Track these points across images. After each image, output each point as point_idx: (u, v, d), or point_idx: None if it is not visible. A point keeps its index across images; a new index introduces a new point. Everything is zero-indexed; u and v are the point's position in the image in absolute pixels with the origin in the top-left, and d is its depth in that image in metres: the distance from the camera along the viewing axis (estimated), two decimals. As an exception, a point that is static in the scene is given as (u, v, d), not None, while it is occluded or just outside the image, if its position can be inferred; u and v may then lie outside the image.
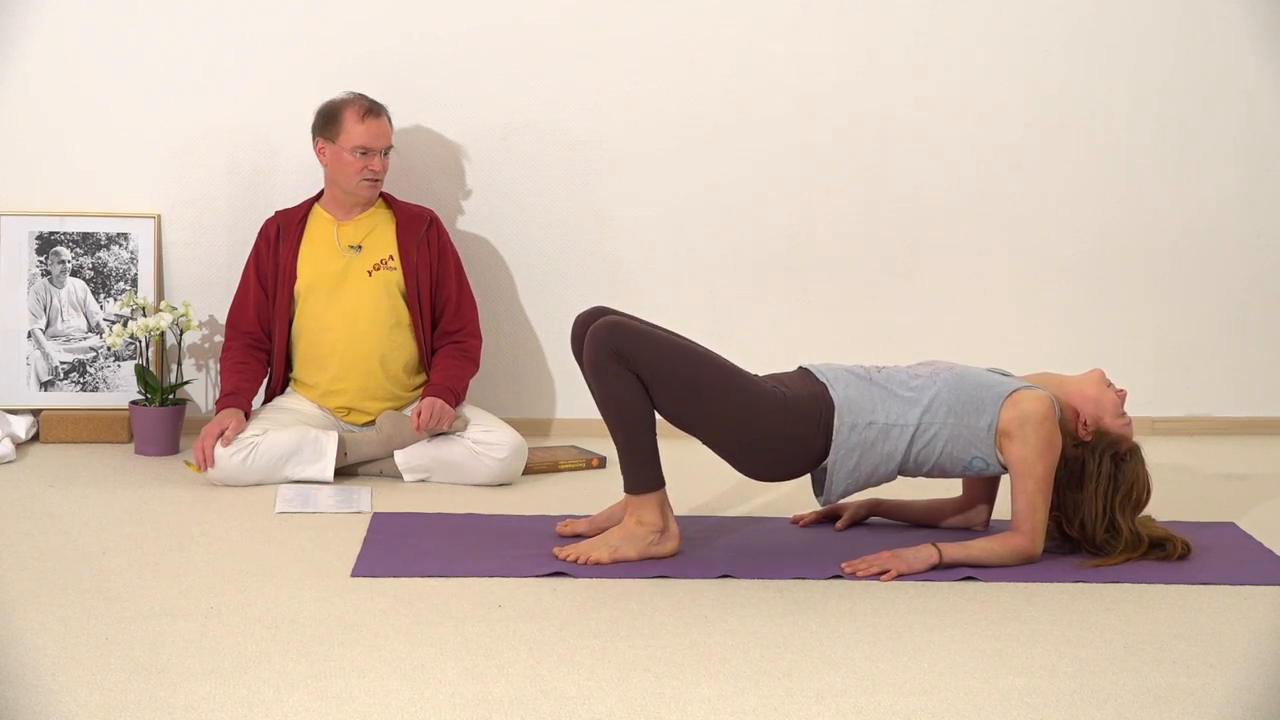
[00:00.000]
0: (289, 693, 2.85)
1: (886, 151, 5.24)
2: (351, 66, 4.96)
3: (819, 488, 3.82)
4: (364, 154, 4.57)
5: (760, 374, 3.86)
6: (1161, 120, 5.31)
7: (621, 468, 3.75)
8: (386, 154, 4.62)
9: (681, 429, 3.76)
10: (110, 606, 3.30)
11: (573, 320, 3.91)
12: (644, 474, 3.70)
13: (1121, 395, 3.86)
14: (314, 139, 4.64)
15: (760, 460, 3.73)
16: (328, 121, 4.60)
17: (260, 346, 4.67)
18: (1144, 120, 5.31)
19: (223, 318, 5.01)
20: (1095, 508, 3.77)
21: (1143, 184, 5.34)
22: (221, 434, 4.36)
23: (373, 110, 4.59)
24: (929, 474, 3.82)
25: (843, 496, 3.81)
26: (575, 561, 3.68)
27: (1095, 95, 5.28)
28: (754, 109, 5.17)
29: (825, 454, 3.73)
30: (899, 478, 3.87)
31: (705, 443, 3.77)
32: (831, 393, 3.72)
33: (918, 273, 5.30)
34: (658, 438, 3.72)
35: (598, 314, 3.86)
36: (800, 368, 3.88)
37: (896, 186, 5.26)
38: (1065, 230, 5.33)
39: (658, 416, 3.71)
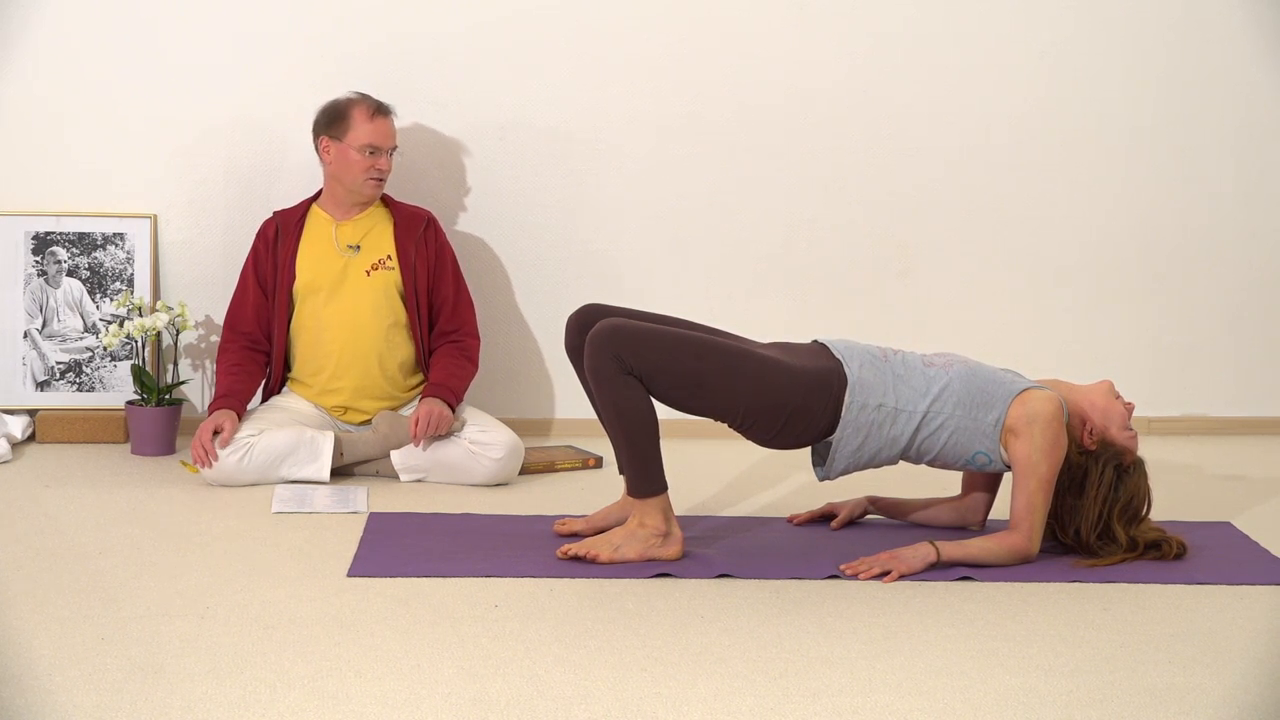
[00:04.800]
0: (285, 692, 2.85)
1: (884, 150, 5.24)
2: (348, 65, 4.96)
3: (819, 461, 3.82)
4: (372, 153, 4.57)
5: (768, 342, 3.87)
6: (1158, 121, 5.32)
7: (623, 472, 3.75)
8: (392, 154, 4.63)
9: (685, 413, 3.76)
10: (107, 606, 3.30)
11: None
12: (647, 479, 3.69)
13: (1129, 408, 3.86)
14: (318, 137, 4.63)
15: (765, 431, 3.72)
16: (334, 119, 4.60)
17: (258, 348, 4.67)
18: (1141, 121, 5.31)
19: (219, 318, 5.01)
20: (1092, 515, 3.77)
21: (1139, 184, 5.34)
22: (216, 433, 4.35)
23: (381, 110, 4.61)
24: (931, 464, 3.82)
25: (842, 474, 3.81)
26: (577, 557, 3.67)
27: (1092, 96, 5.28)
28: (751, 108, 5.18)
29: (831, 429, 3.73)
30: (901, 465, 3.87)
31: (710, 418, 3.77)
32: (846, 370, 3.73)
33: (914, 272, 5.30)
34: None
35: (590, 313, 3.86)
36: (815, 341, 3.88)
37: (893, 186, 5.26)
38: (1062, 230, 5.34)
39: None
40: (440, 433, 4.45)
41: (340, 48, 5.01)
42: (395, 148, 4.64)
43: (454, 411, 4.52)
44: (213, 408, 4.48)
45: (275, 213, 4.75)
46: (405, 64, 5.03)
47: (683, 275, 5.23)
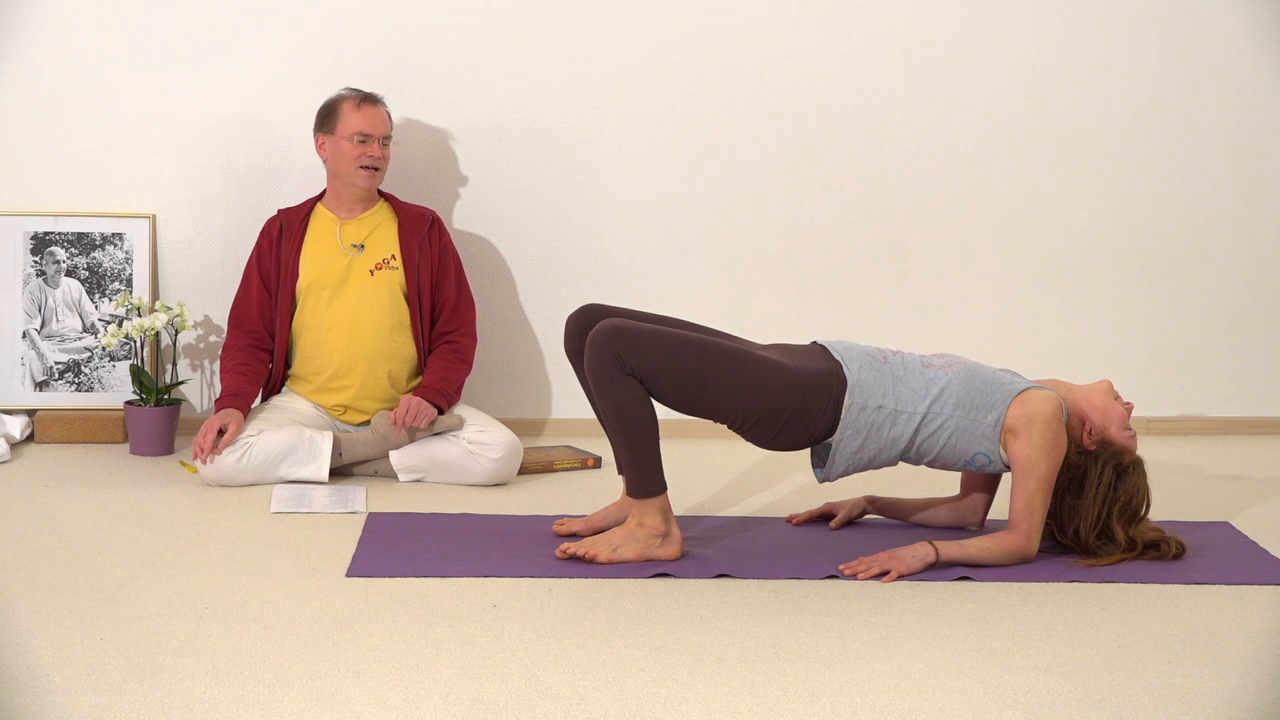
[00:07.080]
0: (284, 693, 2.85)
1: (882, 150, 5.24)
2: (347, 65, 4.96)
3: (819, 463, 3.82)
4: (362, 140, 4.59)
5: (768, 344, 3.86)
6: (1156, 120, 5.31)
7: (623, 472, 3.75)
8: (385, 144, 4.64)
9: (685, 414, 3.76)
10: (105, 607, 3.30)
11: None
12: (646, 479, 3.69)
13: (1128, 408, 3.86)
14: (315, 137, 4.67)
15: (764, 432, 3.72)
16: (326, 116, 4.64)
17: (263, 346, 4.67)
18: (1139, 120, 5.31)
19: (218, 317, 5.01)
20: (1091, 515, 3.77)
21: (1138, 184, 5.34)
22: (219, 432, 4.35)
23: (369, 99, 4.63)
24: (931, 464, 3.82)
25: (842, 476, 3.81)
26: (576, 557, 3.67)
27: (1090, 95, 5.28)
28: (750, 107, 5.17)
29: (831, 431, 3.73)
30: (900, 465, 3.87)
31: (710, 419, 3.77)
32: (846, 371, 3.73)
33: (913, 271, 5.30)
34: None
35: (590, 313, 3.86)
36: (814, 342, 3.88)
37: (892, 185, 5.26)
38: (1060, 229, 5.34)
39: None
40: (420, 425, 4.45)
41: (338, 47, 5.01)
42: (388, 136, 4.65)
43: (444, 413, 4.52)
44: (219, 405, 4.48)
45: (280, 210, 4.75)
46: (404, 63, 5.03)
47: (682, 275, 5.23)
